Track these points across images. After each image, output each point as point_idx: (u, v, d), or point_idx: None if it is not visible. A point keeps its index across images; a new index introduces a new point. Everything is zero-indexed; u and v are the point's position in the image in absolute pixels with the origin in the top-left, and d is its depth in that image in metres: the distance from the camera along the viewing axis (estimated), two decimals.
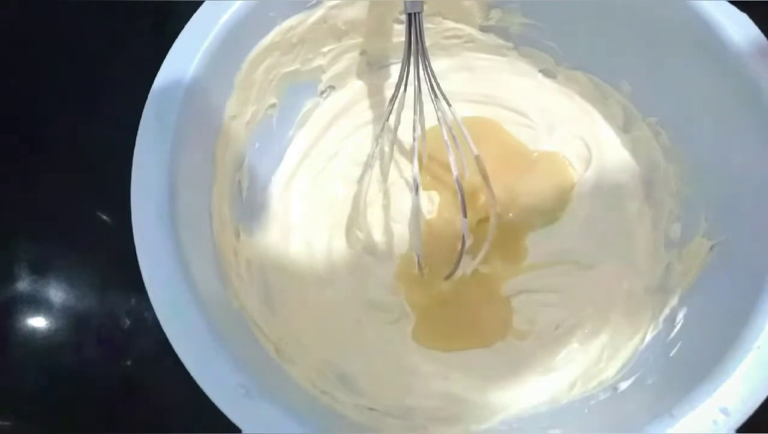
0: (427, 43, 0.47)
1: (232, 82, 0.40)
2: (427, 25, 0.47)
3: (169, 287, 0.32)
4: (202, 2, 0.38)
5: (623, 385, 0.38)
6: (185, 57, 0.36)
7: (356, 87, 0.49)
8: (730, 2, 0.38)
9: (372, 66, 0.49)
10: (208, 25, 0.37)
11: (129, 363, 0.47)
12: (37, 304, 0.48)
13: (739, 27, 0.37)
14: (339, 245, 0.46)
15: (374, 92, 0.49)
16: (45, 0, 0.55)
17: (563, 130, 0.48)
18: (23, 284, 0.48)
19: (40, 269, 0.49)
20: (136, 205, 0.34)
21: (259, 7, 0.39)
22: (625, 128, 0.47)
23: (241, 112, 0.41)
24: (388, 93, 0.46)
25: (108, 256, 0.48)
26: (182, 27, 0.37)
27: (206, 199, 0.38)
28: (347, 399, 0.38)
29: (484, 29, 0.48)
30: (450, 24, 0.48)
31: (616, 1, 0.42)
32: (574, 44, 0.46)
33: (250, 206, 0.44)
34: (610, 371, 0.40)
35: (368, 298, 0.44)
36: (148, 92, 0.36)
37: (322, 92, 0.48)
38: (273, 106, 0.44)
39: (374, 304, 0.44)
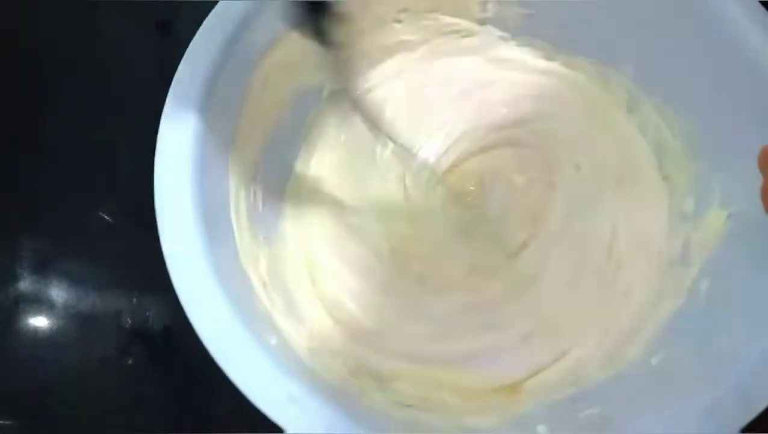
0: (427, 38, 0.48)
1: (240, 93, 0.40)
2: (424, 22, 0.48)
3: (207, 301, 0.32)
4: (208, 2, 0.38)
5: (655, 360, 0.38)
6: (198, 62, 0.37)
7: (358, 90, 0.49)
8: None
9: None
10: (217, 33, 0.38)
11: (130, 362, 0.46)
12: (39, 304, 0.47)
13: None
14: (356, 252, 0.45)
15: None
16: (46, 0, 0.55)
17: (565, 116, 0.48)
18: (25, 284, 0.48)
19: (42, 269, 0.48)
20: (163, 216, 0.34)
21: (264, 14, 0.39)
22: (629, 109, 0.47)
23: (249, 123, 0.41)
24: None
25: (109, 255, 0.48)
26: (186, 27, 0.38)
27: (226, 209, 0.39)
28: (384, 398, 0.38)
29: (481, 22, 0.49)
30: (448, 19, 0.48)
31: None
32: (573, 30, 0.46)
33: (267, 216, 0.44)
34: (637, 348, 0.40)
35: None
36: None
37: (327, 97, 0.48)
38: (280, 114, 0.44)
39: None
